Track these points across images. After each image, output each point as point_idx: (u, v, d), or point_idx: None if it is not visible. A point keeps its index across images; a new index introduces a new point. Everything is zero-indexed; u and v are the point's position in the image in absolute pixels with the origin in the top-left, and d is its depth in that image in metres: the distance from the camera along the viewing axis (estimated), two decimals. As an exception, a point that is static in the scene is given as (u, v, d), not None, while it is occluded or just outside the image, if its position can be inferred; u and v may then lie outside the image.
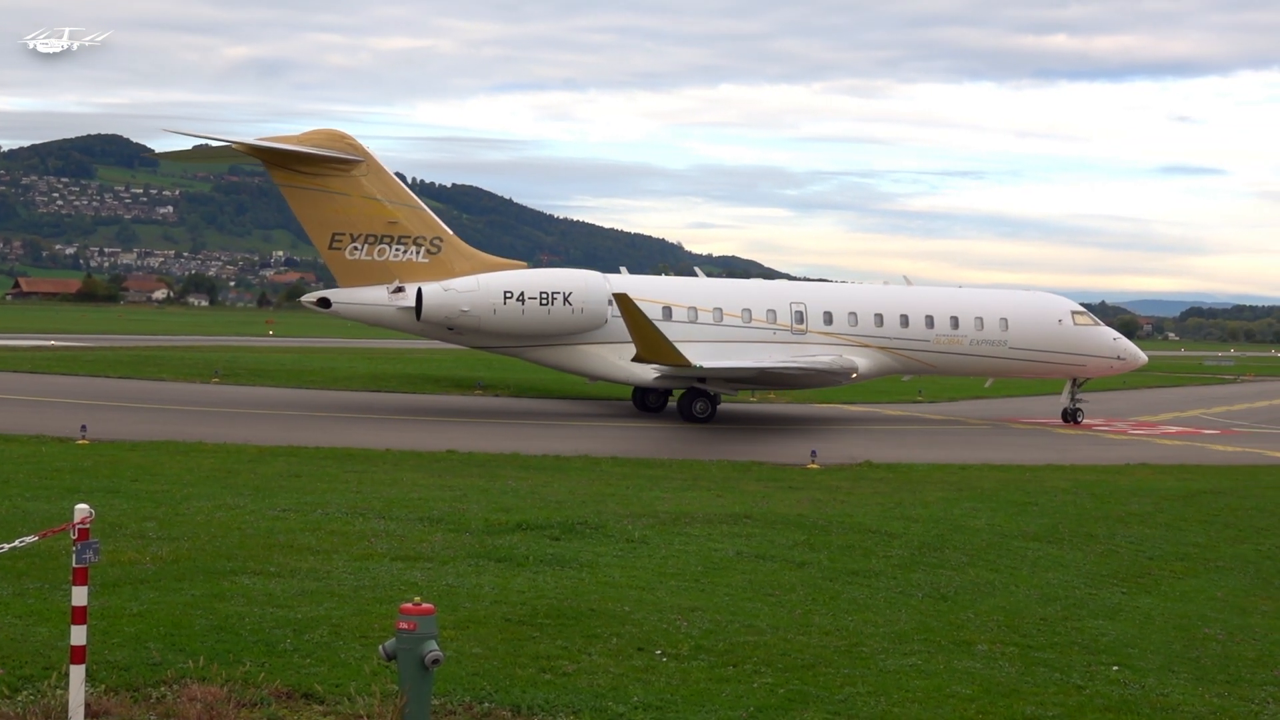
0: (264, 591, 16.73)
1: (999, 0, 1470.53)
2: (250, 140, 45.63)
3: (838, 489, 29.60)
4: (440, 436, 37.37)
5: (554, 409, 51.29)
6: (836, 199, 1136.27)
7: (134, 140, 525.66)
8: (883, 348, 50.45)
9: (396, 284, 45.62)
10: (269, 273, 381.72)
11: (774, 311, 49.54)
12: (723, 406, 49.63)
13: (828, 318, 50.11)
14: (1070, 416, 54.35)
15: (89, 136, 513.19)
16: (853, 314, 50.46)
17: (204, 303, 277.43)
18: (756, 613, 17.15)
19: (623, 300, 42.14)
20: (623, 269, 54.11)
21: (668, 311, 47.72)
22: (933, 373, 53.89)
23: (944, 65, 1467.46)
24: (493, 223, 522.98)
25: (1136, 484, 33.15)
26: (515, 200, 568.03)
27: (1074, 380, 54.88)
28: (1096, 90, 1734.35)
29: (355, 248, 45.49)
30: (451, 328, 45.72)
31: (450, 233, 47.66)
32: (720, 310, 48.81)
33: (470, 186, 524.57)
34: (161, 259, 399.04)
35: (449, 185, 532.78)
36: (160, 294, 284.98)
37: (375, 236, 45.63)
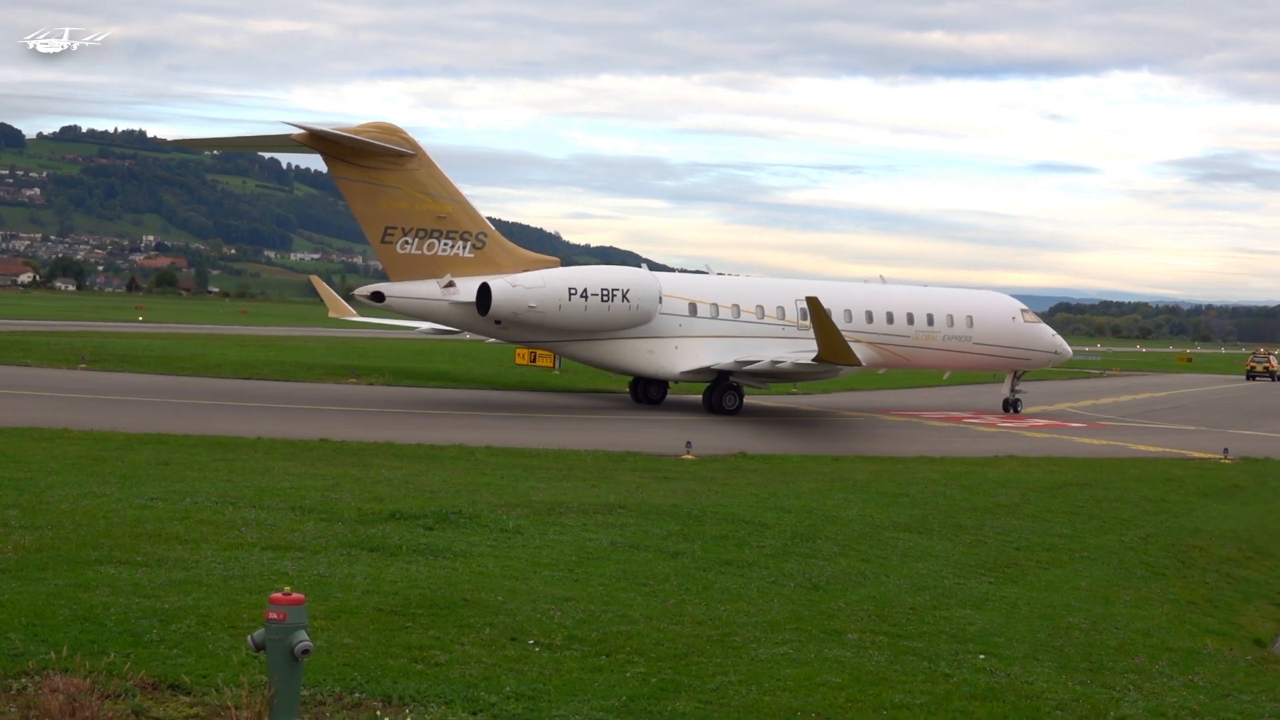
0: (130, 581, 16.43)
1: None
2: (313, 126, 45.01)
3: (712, 479, 29.76)
4: (313, 425, 36.98)
5: (436, 398, 50.95)
6: (715, 191, 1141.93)
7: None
8: (871, 343, 52.54)
9: (448, 278, 45.81)
10: (139, 257, 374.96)
11: (783, 308, 51.50)
12: (597, 397, 49.64)
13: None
14: (1011, 406, 57.90)
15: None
16: (848, 311, 52.61)
17: (71, 287, 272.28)
18: (630, 602, 17.19)
19: (814, 304, 43.66)
20: (643, 265, 55.28)
21: (693, 308, 49.60)
22: (907, 366, 56.60)
23: (823, 60, 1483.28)
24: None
25: (1005, 476, 33.72)
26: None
27: (1015, 373, 58.43)
28: (971, 87, 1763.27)
29: (406, 242, 45.60)
30: (499, 321, 46.34)
31: (493, 228, 48.10)
32: (738, 307, 50.60)
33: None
34: (28, 242, 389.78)
35: (324, 171, 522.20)
36: (26, 277, 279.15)
37: (425, 231, 45.78)
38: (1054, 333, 59.52)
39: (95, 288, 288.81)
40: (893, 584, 19.91)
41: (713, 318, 50.10)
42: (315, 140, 44.77)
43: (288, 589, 11.51)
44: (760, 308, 51.27)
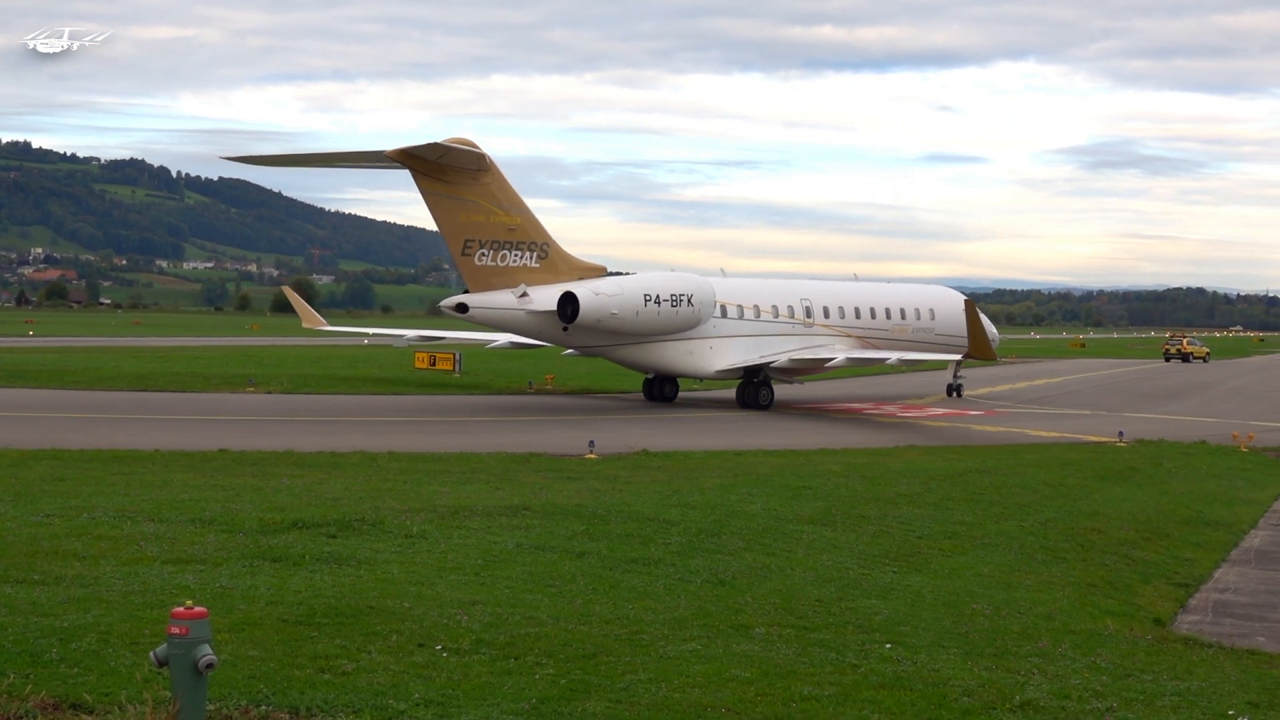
0: (27, 600, 16.13)
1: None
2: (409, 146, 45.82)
3: (616, 478, 29.76)
4: (211, 435, 36.53)
5: (336, 404, 50.50)
6: (610, 189, 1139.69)
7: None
8: (859, 337, 56.47)
9: (522, 288, 47.65)
10: (27, 270, 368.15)
11: (792, 307, 55.01)
12: (498, 398, 49.43)
13: (825, 311, 56.20)
14: (955, 391, 62.49)
15: None
16: (841, 308, 56.87)
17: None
18: (537, 604, 17.15)
19: (970, 307, 47.11)
20: (667, 267, 58.19)
21: (724, 309, 52.40)
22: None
23: (715, 56, 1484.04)
24: (262, 216, 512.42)
25: (906, 465, 34.03)
26: (285, 193, 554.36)
27: (958, 360, 60.95)
28: (862, 80, 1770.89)
29: (483, 253, 47.34)
30: (568, 327, 48.17)
31: (553, 238, 49.55)
32: (758, 307, 53.88)
33: (238, 180, 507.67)
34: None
35: (215, 179, 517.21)
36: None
37: (498, 242, 47.60)
38: (990, 322, 62.89)
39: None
40: (798, 577, 20.02)
41: (739, 318, 53.05)
42: (405, 157, 45.86)
43: (189, 603, 11.36)
44: (775, 308, 54.47)
